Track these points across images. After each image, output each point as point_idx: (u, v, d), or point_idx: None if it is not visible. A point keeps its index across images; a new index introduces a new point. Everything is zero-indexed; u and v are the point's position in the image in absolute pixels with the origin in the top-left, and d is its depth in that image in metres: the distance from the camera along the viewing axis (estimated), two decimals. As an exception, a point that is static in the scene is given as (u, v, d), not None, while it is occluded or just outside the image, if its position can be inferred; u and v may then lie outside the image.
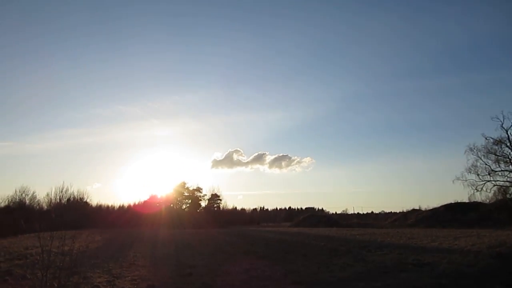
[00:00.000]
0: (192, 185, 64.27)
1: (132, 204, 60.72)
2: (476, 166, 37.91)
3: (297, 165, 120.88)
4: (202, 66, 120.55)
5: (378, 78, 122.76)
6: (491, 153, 37.60)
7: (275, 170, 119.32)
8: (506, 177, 37.48)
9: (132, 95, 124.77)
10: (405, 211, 55.76)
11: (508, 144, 36.80)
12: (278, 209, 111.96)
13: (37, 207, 49.70)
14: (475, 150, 38.05)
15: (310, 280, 10.57)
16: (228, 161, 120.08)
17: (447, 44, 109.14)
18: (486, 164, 37.73)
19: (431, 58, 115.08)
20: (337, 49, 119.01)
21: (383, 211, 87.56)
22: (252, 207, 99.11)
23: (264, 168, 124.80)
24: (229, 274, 11.64)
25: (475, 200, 40.38)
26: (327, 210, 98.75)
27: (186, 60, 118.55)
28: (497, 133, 37.46)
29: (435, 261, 13.28)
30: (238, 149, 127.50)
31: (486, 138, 37.91)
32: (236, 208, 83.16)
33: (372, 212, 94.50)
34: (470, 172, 38.26)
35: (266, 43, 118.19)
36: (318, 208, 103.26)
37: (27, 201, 48.93)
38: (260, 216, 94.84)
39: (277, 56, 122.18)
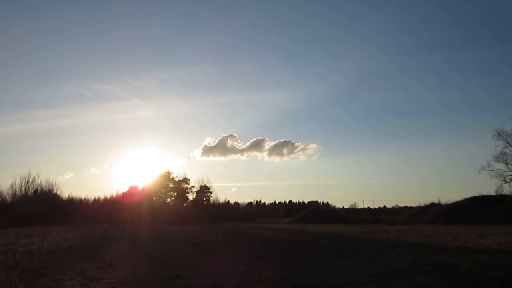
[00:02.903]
0: (178, 176, 64.53)
1: (109, 196, 61.03)
2: (505, 153, 38.22)
3: (300, 153, 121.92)
4: (192, 38, 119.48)
5: (392, 51, 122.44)
6: (523, 138, 37.69)
7: (275, 159, 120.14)
8: (539, 166, 37.74)
9: (110, 71, 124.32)
10: (422, 205, 56.62)
11: (542, 127, 36.80)
12: (278, 203, 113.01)
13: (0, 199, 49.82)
14: (503, 135, 38.24)
15: (313, 283, 10.71)
16: (221, 147, 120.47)
17: (467, 17, 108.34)
18: (516, 152, 37.87)
19: (447, 30, 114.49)
20: (348, 17, 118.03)
21: (397, 205, 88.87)
22: (247, 201, 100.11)
23: (262, 156, 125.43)
24: (221, 277, 11.76)
25: (503, 193, 40.81)
26: (333, 204, 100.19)
27: (173, 31, 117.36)
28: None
29: (456, 263, 13.46)
30: (233, 134, 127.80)
31: (515, 122, 37.97)
32: (229, 202, 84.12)
33: (384, 206, 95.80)
34: (498, 161, 38.61)
35: (265, 11, 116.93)
36: (323, 202, 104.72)
37: (-13, 193, 49.05)
38: (257, 211, 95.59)
39: (279, 26, 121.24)
